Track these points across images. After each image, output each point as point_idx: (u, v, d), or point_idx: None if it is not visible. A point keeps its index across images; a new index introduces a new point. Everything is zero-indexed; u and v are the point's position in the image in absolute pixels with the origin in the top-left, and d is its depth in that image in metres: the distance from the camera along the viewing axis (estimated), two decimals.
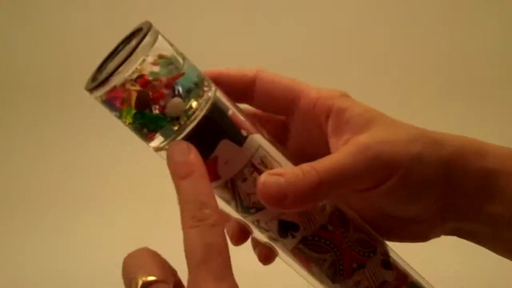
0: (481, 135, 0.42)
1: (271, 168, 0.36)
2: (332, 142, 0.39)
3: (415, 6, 1.03)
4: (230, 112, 0.36)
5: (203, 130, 0.35)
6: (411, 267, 0.42)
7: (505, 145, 0.40)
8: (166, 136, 0.35)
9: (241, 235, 0.42)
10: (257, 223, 0.38)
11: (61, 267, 0.70)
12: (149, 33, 0.34)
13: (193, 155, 0.33)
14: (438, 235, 0.41)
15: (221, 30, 1.00)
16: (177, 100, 0.34)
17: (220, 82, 0.38)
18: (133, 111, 0.34)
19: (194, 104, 0.35)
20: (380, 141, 0.36)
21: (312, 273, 0.39)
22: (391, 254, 0.41)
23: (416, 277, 0.41)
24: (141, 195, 0.81)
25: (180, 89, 0.34)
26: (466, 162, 0.37)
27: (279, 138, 0.41)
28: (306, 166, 0.35)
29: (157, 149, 0.36)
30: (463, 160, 0.37)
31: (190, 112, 0.34)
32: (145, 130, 0.35)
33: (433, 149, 0.37)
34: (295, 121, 0.41)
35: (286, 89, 0.40)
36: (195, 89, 0.35)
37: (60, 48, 1.00)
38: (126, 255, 0.33)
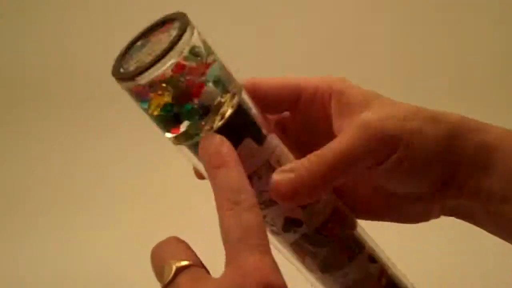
0: None
1: None
2: (336, 125, 0.40)
3: (415, 7, 1.03)
4: (253, 111, 0.37)
5: (230, 127, 0.35)
6: (389, 259, 0.44)
7: None
8: (193, 129, 0.35)
9: None
10: (263, 218, 0.38)
11: (58, 267, 0.70)
12: (189, 26, 0.35)
13: (226, 146, 0.34)
14: (437, 216, 0.42)
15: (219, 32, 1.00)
16: (211, 88, 0.35)
17: None
18: (165, 102, 0.34)
19: (223, 98, 0.35)
20: (380, 118, 0.37)
21: (304, 264, 0.41)
22: (376, 248, 0.43)
23: (393, 269, 0.44)
24: (141, 197, 0.81)
25: (212, 80, 0.35)
26: (466, 136, 0.38)
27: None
28: (313, 157, 0.37)
29: (177, 142, 0.37)
30: (463, 134, 0.38)
31: (219, 107, 0.35)
32: (171, 122, 0.35)
33: (433, 124, 0.38)
34: (298, 115, 0.42)
35: (284, 88, 0.40)
36: (224, 82, 0.36)
37: (56, 50, 1.00)
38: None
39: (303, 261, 0.41)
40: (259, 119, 0.38)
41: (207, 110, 0.35)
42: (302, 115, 0.42)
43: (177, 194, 0.82)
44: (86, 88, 1.00)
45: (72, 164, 0.91)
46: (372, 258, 0.42)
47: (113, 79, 0.35)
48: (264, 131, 0.37)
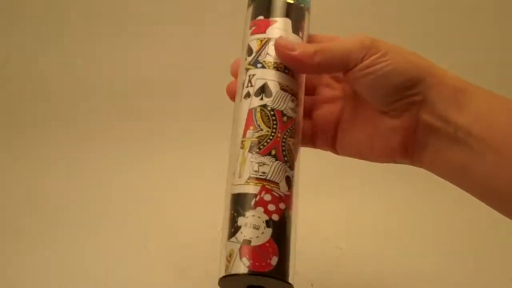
0: None
1: None
2: None
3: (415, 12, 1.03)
4: (305, 23, 0.48)
5: (288, 4, 0.47)
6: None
7: None
8: None
9: None
10: (251, 77, 0.46)
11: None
12: None
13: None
14: (412, 143, 0.46)
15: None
16: None
17: None
18: None
19: None
20: (373, 39, 0.44)
21: (243, 134, 0.45)
22: (295, 184, 0.45)
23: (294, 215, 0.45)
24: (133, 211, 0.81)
25: None
26: (443, 77, 0.44)
27: None
28: (312, 44, 0.46)
29: None
30: (441, 75, 0.44)
31: None
32: None
33: (418, 57, 0.45)
34: None
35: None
36: None
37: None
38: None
39: (245, 130, 0.45)
40: (304, 28, 0.49)
41: None
42: None
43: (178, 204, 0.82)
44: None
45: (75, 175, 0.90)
46: (288, 182, 0.44)
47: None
48: (300, 33, 0.48)
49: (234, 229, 0.41)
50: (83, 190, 0.83)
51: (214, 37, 0.96)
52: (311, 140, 0.51)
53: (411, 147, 0.46)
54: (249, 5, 0.48)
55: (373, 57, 0.43)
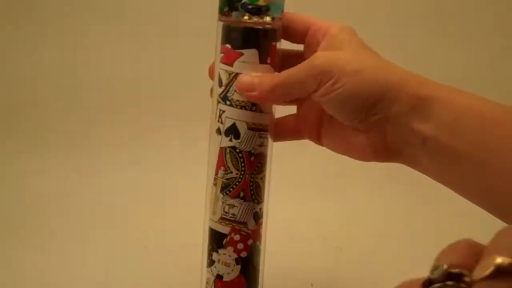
0: None
1: None
2: (305, 57, 0.47)
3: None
4: (273, 42, 0.47)
5: (255, 32, 0.46)
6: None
7: None
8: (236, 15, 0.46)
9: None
10: (220, 113, 0.47)
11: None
12: None
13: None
14: (384, 156, 0.46)
15: None
16: None
17: None
18: None
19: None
20: (328, 54, 0.45)
21: (216, 171, 0.48)
22: (263, 217, 0.50)
23: (261, 243, 0.50)
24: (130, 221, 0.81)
25: None
26: (403, 88, 0.43)
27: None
28: (272, 74, 0.46)
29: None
30: (401, 85, 0.43)
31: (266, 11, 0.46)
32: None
33: (374, 71, 0.43)
34: (304, 49, 0.50)
35: (297, 21, 0.48)
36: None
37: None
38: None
39: (216, 170, 0.48)
40: (275, 49, 0.47)
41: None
42: (306, 48, 0.49)
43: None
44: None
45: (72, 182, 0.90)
46: (256, 218, 0.49)
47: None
48: (269, 60, 0.47)
49: (210, 260, 0.49)
50: (83, 190, 0.83)
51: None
52: (298, 132, 0.51)
53: (386, 157, 0.46)
54: (219, 18, 0.47)
55: (326, 85, 0.43)
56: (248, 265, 0.49)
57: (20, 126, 0.98)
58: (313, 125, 0.50)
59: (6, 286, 0.58)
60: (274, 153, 0.49)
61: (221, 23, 0.47)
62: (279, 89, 0.45)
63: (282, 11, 0.47)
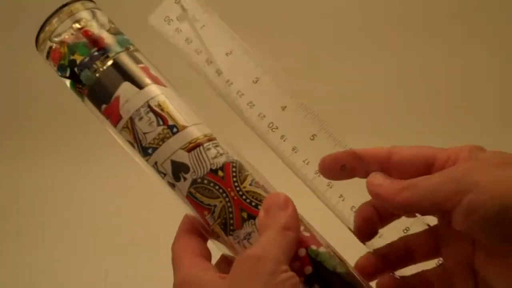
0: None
1: (167, 112, 0.41)
2: None
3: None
4: (141, 65, 0.42)
5: (111, 73, 0.41)
6: None
7: None
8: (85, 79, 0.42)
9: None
10: (157, 167, 0.40)
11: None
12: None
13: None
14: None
15: None
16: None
17: (357, 160, 0.42)
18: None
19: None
20: (470, 172, 0.37)
21: (207, 223, 0.40)
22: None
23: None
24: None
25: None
26: None
27: None
28: (402, 181, 0.39)
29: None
30: None
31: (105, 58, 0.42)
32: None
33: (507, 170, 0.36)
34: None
35: (424, 157, 0.41)
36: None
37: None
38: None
39: (204, 220, 0.40)
40: (150, 73, 0.42)
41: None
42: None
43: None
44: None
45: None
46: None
47: None
48: (148, 80, 0.41)
49: None
50: (83, 190, 0.83)
51: None
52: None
53: None
54: (82, 101, 0.43)
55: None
56: None
57: (20, 126, 0.98)
58: (464, 269, 0.40)
59: (6, 286, 0.58)
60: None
61: (85, 99, 0.42)
62: (404, 195, 0.37)
63: (126, 40, 0.43)
